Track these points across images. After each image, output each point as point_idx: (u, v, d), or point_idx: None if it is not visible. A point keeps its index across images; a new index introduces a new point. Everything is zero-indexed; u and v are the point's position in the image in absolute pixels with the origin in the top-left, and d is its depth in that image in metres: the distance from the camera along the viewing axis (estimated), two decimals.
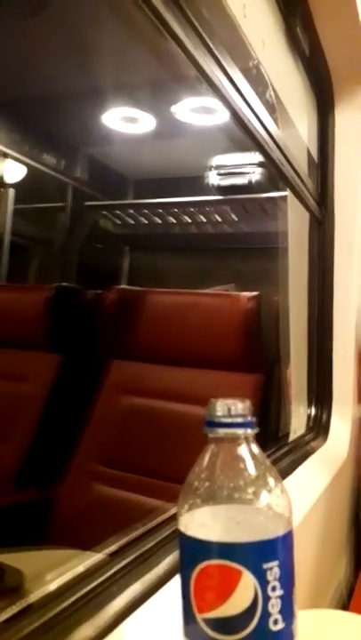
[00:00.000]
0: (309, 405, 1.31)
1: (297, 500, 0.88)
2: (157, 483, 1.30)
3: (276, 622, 0.35)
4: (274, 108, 1.06)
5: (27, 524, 1.28)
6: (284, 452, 1.05)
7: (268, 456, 1.01)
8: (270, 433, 1.27)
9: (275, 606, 0.35)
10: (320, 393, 1.31)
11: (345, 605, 1.10)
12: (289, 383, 1.33)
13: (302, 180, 1.10)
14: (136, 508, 1.28)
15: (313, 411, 1.30)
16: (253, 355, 1.41)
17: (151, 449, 1.36)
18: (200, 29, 0.65)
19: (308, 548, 0.90)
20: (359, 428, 1.36)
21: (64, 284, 1.80)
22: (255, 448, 0.38)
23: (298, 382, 1.32)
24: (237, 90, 0.78)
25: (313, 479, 1.01)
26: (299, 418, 1.29)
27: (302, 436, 1.21)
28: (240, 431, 0.38)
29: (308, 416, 1.30)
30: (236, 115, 0.81)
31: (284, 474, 0.93)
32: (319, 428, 1.27)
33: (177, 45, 0.65)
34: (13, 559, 0.58)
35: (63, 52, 1.92)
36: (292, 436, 1.22)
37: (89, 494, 1.37)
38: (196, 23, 0.63)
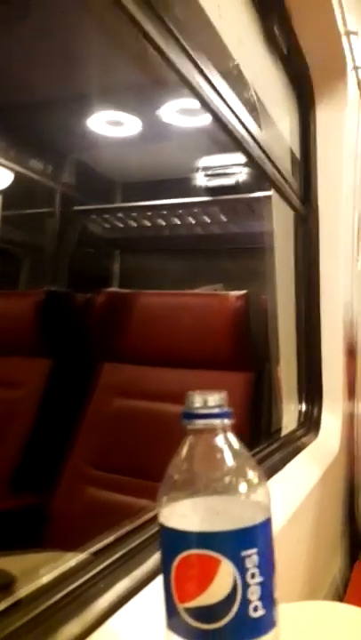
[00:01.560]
0: (300, 401, 1.32)
1: (289, 494, 0.88)
2: (152, 485, 1.30)
3: (256, 609, 0.35)
4: (254, 107, 1.07)
5: (21, 529, 1.28)
6: (275, 448, 1.05)
7: (260, 452, 1.02)
8: (262, 430, 1.28)
9: (254, 593, 0.35)
10: (310, 389, 1.31)
11: (340, 598, 1.11)
12: (279, 380, 1.33)
13: (285, 178, 1.11)
14: (130, 510, 1.27)
15: (304, 407, 1.31)
16: (243, 353, 1.41)
17: (144, 451, 1.36)
18: (173, 29, 0.65)
19: (301, 541, 0.90)
20: (350, 422, 1.36)
21: (53, 288, 1.80)
22: (232, 438, 0.38)
23: (288, 379, 1.32)
24: (215, 90, 0.79)
25: (305, 474, 1.02)
26: (290, 414, 1.30)
27: (293, 432, 1.21)
28: (217, 421, 0.38)
29: (299, 412, 1.31)
30: (215, 115, 0.81)
31: (276, 469, 0.94)
32: (310, 423, 1.28)
33: (151, 46, 0.65)
34: (2, 562, 0.58)
35: (47, 58, 1.92)
36: (283, 433, 1.22)
37: (83, 498, 1.37)
38: (170, 23, 0.64)
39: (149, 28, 0.62)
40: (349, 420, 1.36)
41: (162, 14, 0.63)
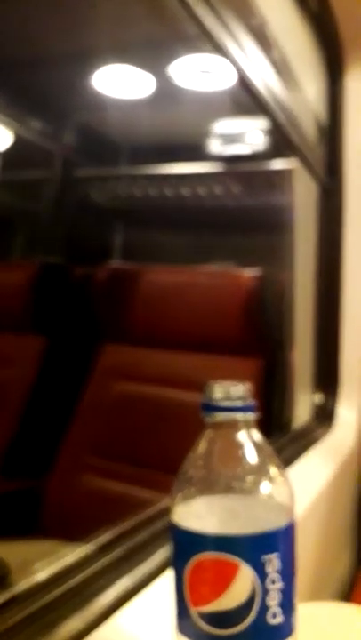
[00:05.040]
0: (315, 391, 1.31)
1: (300, 490, 0.89)
2: (152, 473, 1.31)
3: (274, 616, 0.35)
4: (280, 68, 1.04)
5: (15, 515, 1.29)
6: (286, 441, 1.06)
7: (270, 445, 1.02)
8: (272, 420, 1.28)
9: (274, 599, 0.35)
10: (326, 379, 1.31)
11: (347, 598, 1.12)
12: (293, 368, 1.33)
13: (310, 148, 1.09)
14: (129, 499, 1.29)
15: (318, 397, 1.31)
16: (255, 337, 1.40)
17: (146, 438, 1.37)
18: None
19: (310, 539, 0.91)
20: None
21: (50, 261, 1.79)
22: (256, 434, 0.38)
23: (302, 367, 1.32)
24: (241, 48, 0.77)
25: (317, 469, 1.02)
26: (303, 405, 1.30)
27: (306, 425, 1.22)
28: (239, 415, 0.38)
29: (313, 403, 1.31)
30: (238, 74, 0.80)
31: (287, 463, 0.94)
32: (324, 415, 1.28)
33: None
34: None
35: (51, 7, 1.87)
36: (295, 425, 1.23)
37: (80, 485, 1.38)
38: None
39: None
40: None
41: None
